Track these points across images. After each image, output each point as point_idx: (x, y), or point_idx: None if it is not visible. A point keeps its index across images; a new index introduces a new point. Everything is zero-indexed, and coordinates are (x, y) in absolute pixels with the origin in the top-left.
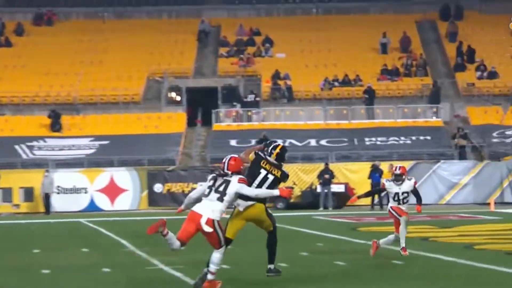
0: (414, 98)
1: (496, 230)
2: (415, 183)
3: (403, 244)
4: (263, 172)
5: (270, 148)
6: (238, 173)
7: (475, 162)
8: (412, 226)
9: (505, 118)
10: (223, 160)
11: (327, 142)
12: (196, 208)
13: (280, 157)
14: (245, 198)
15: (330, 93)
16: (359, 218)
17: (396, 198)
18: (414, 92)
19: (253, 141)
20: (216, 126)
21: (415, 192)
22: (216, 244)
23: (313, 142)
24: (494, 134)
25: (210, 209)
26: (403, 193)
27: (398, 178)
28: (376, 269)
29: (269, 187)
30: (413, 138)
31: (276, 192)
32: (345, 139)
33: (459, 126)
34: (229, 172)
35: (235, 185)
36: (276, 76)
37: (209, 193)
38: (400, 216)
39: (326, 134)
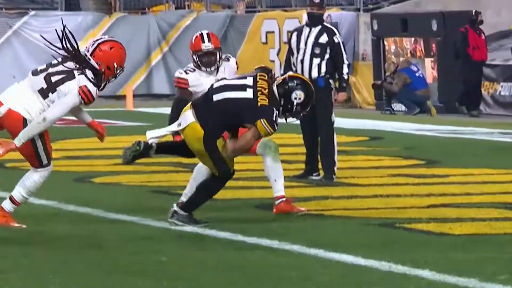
0: None
1: None
2: (237, 64)
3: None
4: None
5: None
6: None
7: None
8: None
9: None
10: (92, 41)
11: None
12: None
13: (286, 95)
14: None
15: None
16: None
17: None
18: None
19: None
20: None
21: None
22: (33, 162)
23: None
24: None
25: (24, 101)
26: None
27: (209, 61)
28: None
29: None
30: None
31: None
32: None
33: None
34: (91, 61)
35: (72, 91)
36: None
37: (35, 73)
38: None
39: None
